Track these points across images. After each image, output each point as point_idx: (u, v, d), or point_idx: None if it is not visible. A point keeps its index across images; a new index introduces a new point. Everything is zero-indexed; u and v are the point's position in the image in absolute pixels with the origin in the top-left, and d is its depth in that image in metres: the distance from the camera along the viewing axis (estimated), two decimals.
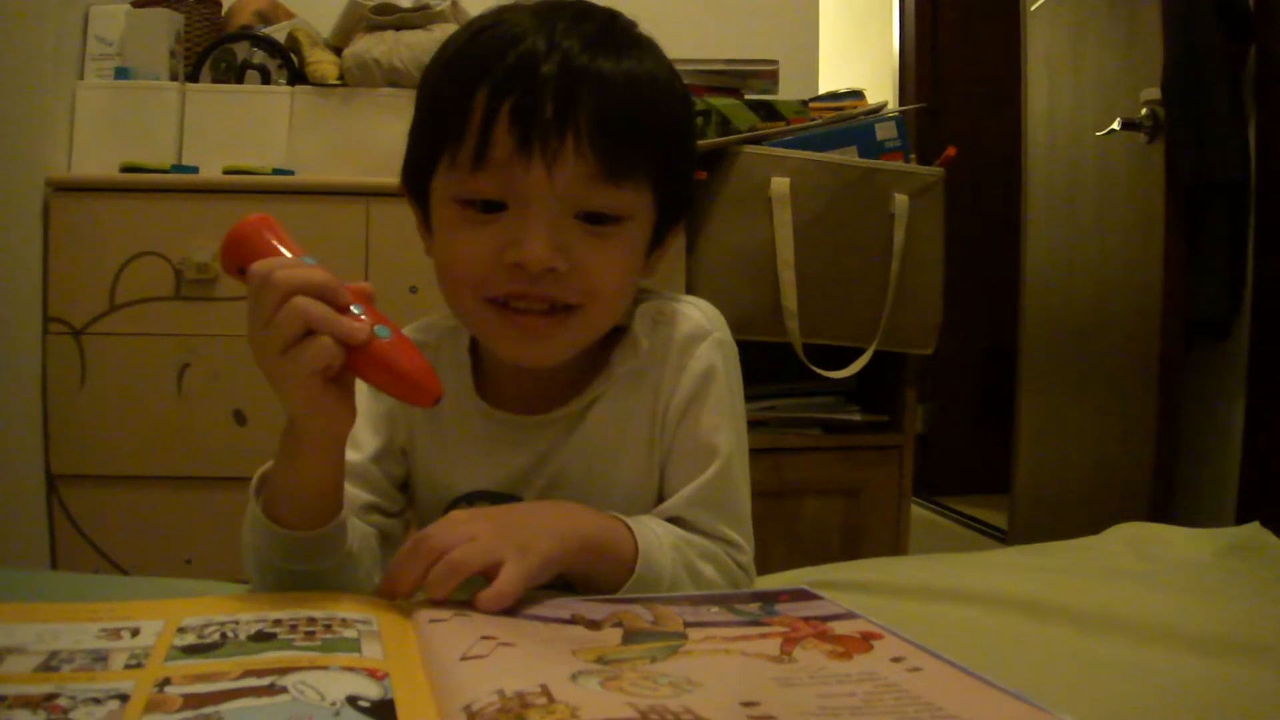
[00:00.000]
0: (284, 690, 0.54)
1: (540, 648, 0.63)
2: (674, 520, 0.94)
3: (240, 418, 2.23)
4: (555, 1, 0.92)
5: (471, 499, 0.99)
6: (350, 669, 0.58)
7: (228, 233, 0.78)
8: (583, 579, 0.85)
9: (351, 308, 0.75)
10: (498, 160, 0.85)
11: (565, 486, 0.97)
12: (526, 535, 0.79)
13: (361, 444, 1.00)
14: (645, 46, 0.93)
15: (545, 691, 0.53)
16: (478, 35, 0.90)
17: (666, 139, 0.93)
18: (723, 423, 0.98)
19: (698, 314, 1.01)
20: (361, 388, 0.81)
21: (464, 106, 0.86)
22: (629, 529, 0.87)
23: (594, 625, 0.73)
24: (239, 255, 0.77)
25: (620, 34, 0.92)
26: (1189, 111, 2.63)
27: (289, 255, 0.77)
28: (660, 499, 0.98)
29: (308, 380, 0.75)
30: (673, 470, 0.98)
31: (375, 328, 0.75)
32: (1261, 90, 2.62)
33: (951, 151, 2.27)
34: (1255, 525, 1.11)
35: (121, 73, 2.39)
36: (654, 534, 0.89)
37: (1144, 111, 2.76)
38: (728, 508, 0.97)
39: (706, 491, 0.96)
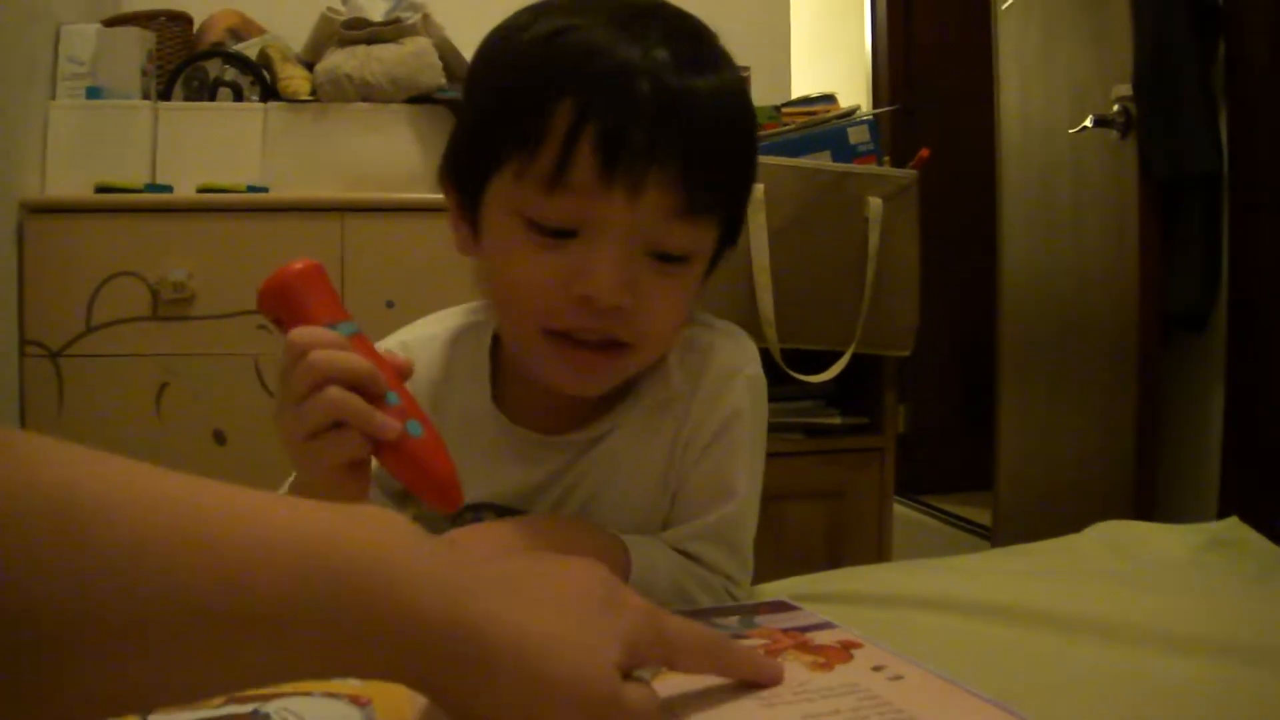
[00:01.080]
0: (266, 718, 0.54)
1: None
2: (679, 551, 0.93)
3: (220, 437, 2.22)
4: (632, 1, 0.85)
5: (478, 510, 0.96)
6: (333, 695, 0.58)
7: (271, 277, 0.73)
8: None
9: (388, 395, 0.72)
10: (576, 185, 0.78)
11: (573, 505, 0.95)
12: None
13: None
14: (725, 59, 0.87)
15: None
16: (557, 36, 0.81)
17: (746, 170, 0.89)
18: (743, 464, 0.96)
19: (732, 347, 0.98)
20: None
21: (542, 117, 0.79)
22: (627, 552, 0.87)
23: None
24: (277, 304, 0.73)
25: (708, 46, 0.86)
26: (1160, 106, 2.64)
27: (328, 319, 0.72)
28: (665, 525, 0.96)
29: (329, 470, 0.72)
30: (685, 501, 0.95)
31: (408, 424, 0.71)
32: (1231, 83, 2.63)
33: (925, 153, 2.27)
34: (1234, 520, 1.12)
35: (93, 92, 2.38)
36: (650, 559, 0.88)
37: (1115, 108, 2.77)
38: (734, 546, 0.96)
39: (717, 529, 0.94)
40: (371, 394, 0.70)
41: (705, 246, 0.87)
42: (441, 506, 0.73)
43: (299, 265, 0.73)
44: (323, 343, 0.70)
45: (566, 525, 0.87)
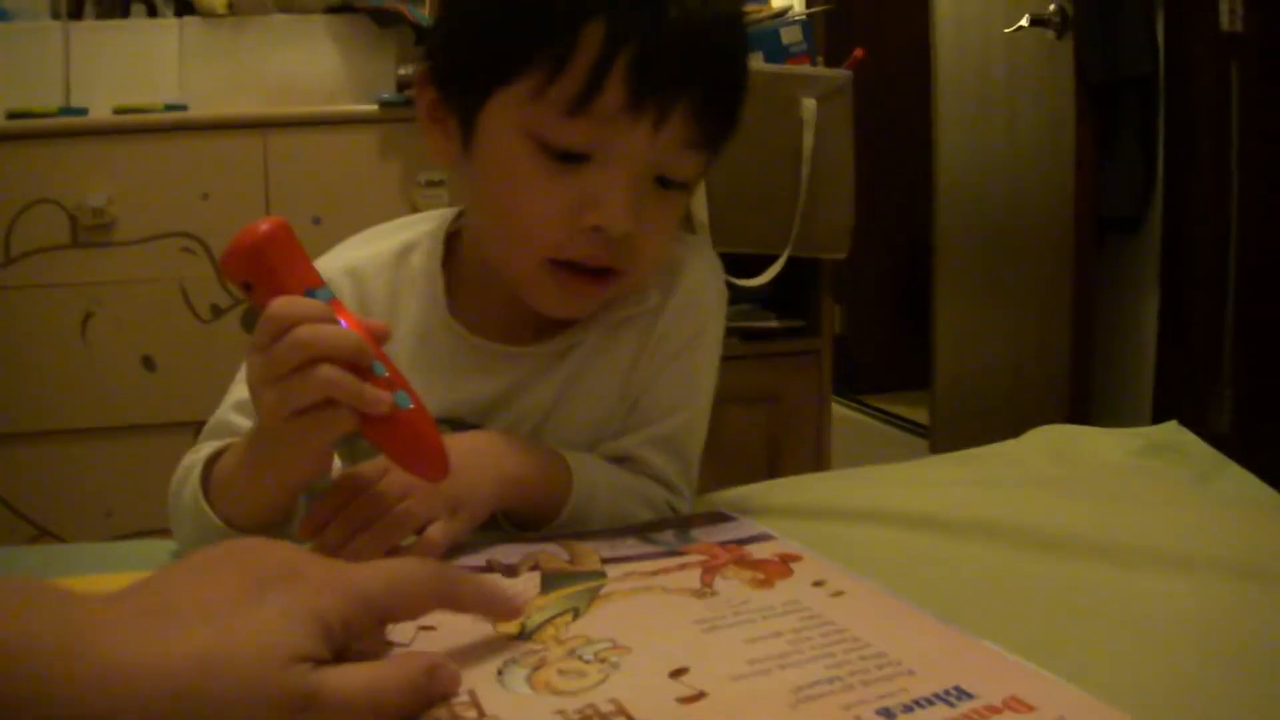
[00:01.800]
0: None
1: (462, 626, 0.61)
2: (627, 456, 0.93)
3: (149, 363, 2.18)
4: None
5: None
6: None
7: (238, 239, 0.68)
8: (513, 515, 0.84)
9: (374, 365, 0.68)
10: (601, 112, 0.76)
11: (532, 418, 0.92)
12: (464, 486, 0.77)
13: None
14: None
15: (475, 702, 0.52)
16: None
17: (744, 98, 0.86)
18: (703, 378, 0.96)
19: (701, 262, 0.97)
20: None
21: (569, 37, 0.75)
22: (569, 471, 0.86)
23: (511, 571, 0.72)
24: (247, 269, 0.68)
25: None
26: (1097, 6, 2.63)
27: (303, 285, 0.68)
28: (618, 434, 0.95)
29: (315, 446, 0.70)
30: (643, 410, 0.94)
31: (395, 395, 0.68)
32: None
33: (859, 53, 2.25)
34: (1173, 424, 1.12)
35: (1, 14, 2.29)
36: (591, 480, 0.87)
37: (1052, 7, 2.76)
38: (682, 456, 0.95)
39: (669, 437, 0.94)
40: (360, 368, 0.67)
41: (701, 172, 0.86)
42: (428, 478, 0.71)
43: (266, 226, 0.68)
44: (308, 315, 0.66)
45: (510, 443, 0.85)
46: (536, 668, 0.56)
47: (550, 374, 0.93)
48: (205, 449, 0.82)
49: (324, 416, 0.67)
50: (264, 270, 0.68)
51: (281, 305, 0.67)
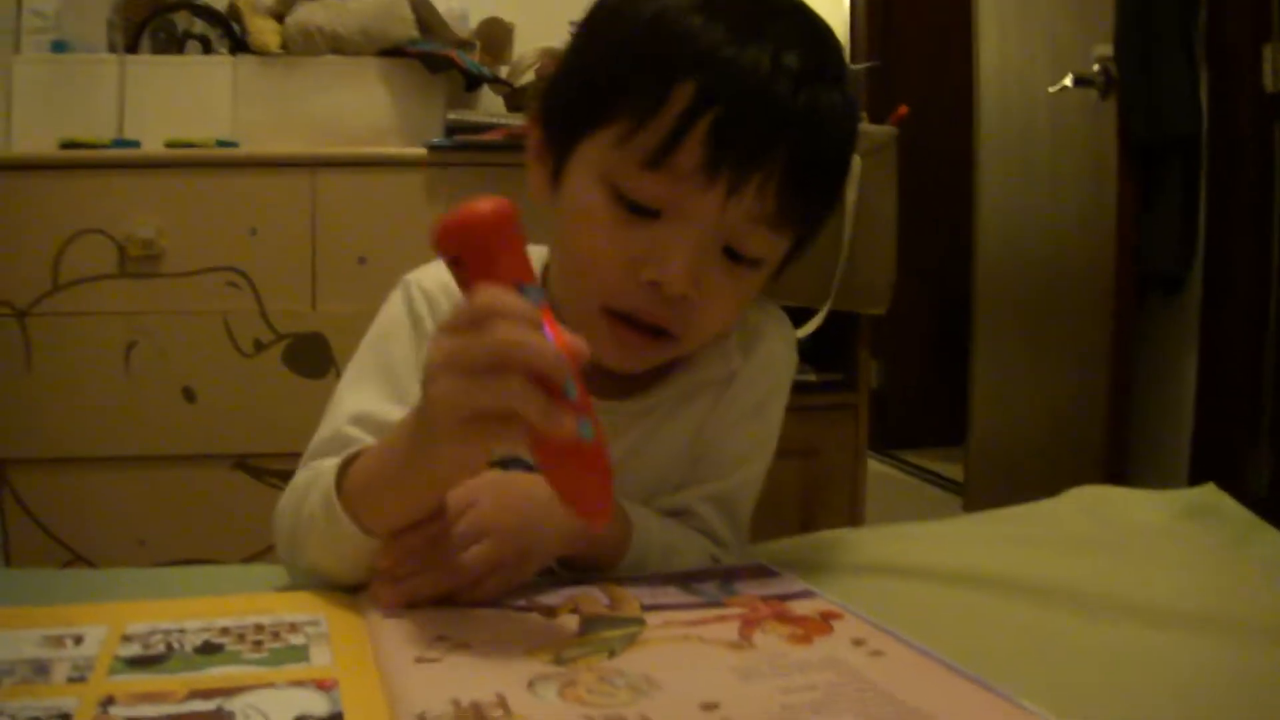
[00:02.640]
0: (231, 715, 0.53)
1: (495, 649, 0.62)
2: (682, 510, 0.94)
3: (190, 395, 2.20)
4: None
5: (507, 464, 0.89)
6: (298, 683, 0.57)
7: (461, 213, 0.65)
8: (569, 562, 0.84)
9: (568, 385, 0.63)
10: (677, 169, 0.77)
11: None
12: (535, 538, 0.77)
13: (408, 393, 0.87)
14: (846, 74, 0.85)
15: (502, 702, 0.52)
16: (695, 12, 0.78)
17: (840, 190, 0.88)
18: (766, 442, 0.98)
19: (777, 328, 0.99)
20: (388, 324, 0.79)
21: (660, 90, 0.76)
22: (629, 521, 0.86)
23: (550, 612, 0.72)
24: (463, 245, 0.65)
25: (834, 56, 0.84)
26: (1141, 67, 2.63)
27: (516, 279, 0.65)
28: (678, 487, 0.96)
29: (477, 453, 0.68)
30: (703, 466, 0.95)
31: (581, 425, 0.64)
32: (1212, 44, 2.62)
33: (903, 110, 2.25)
34: (1210, 486, 1.12)
35: (58, 46, 2.32)
36: (646, 528, 0.87)
37: (1096, 67, 2.76)
38: (735, 514, 0.97)
39: (724, 495, 0.95)
40: (552, 386, 0.63)
41: (778, 254, 0.86)
42: (588, 520, 0.67)
43: (492, 205, 0.65)
44: (514, 314, 0.63)
45: None
46: (567, 684, 0.56)
47: (627, 432, 0.93)
48: (328, 462, 0.79)
49: (502, 429, 0.63)
50: (479, 250, 0.65)
51: (490, 296, 0.64)
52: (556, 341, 0.64)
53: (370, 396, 0.88)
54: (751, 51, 0.76)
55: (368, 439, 0.82)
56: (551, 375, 0.62)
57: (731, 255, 0.81)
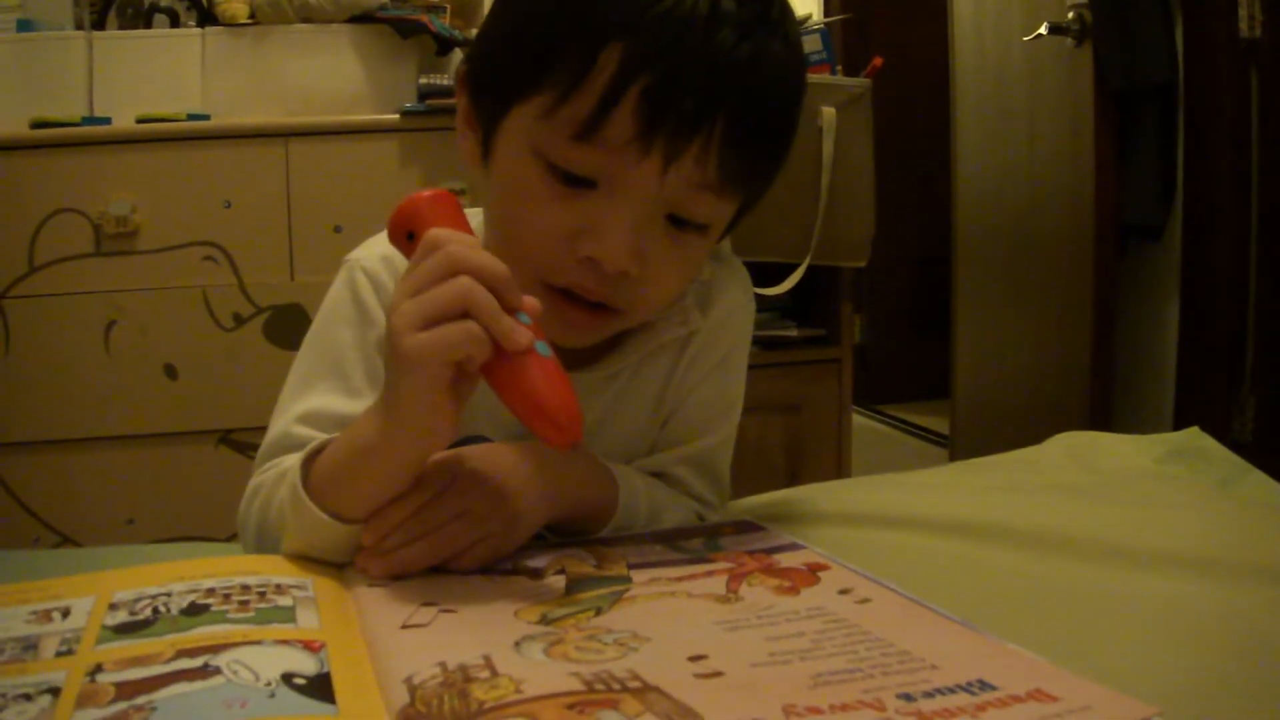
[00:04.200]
0: (218, 671, 0.53)
1: (482, 612, 0.62)
2: (660, 473, 0.92)
3: (171, 372, 2.19)
4: None
5: (476, 441, 0.87)
6: (285, 642, 0.57)
7: (404, 201, 0.69)
8: (558, 526, 0.83)
9: (520, 313, 0.66)
10: (608, 141, 0.71)
11: None
12: (524, 505, 0.75)
13: (356, 388, 0.85)
14: (791, 20, 0.78)
15: (488, 663, 0.52)
16: None
17: (787, 147, 0.81)
18: (733, 398, 0.95)
19: (734, 282, 0.95)
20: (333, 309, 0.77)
21: (585, 57, 0.71)
22: (615, 483, 0.85)
23: (536, 574, 0.72)
24: (410, 223, 0.69)
25: (774, 8, 0.76)
26: (1116, 14, 2.62)
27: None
28: (651, 450, 0.95)
29: (438, 369, 0.65)
30: (674, 428, 0.94)
31: (536, 342, 0.66)
32: None
33: (878, 62, 2.24)
34: (1195, 430, 1.12)
35: (24, 25, 2.31)
36: (633, 488, 0.86)
37: (1070, 15, 2.75)
38: (714, 472, 0.95)
39: (701, 456, 0.94)
40: (505, 303, 0.65)
41: (726, 216, 0.81)
42: (551, 440, 0.66)
43: (433, 190, 0.71)
44: (461, 240, 0.66)
45: (567, 458, 0.82)
46: (554, 643, 0.56)
47: (592, 401, 0.89)
48: (289, 459, 0.78)
49: (456, 330, 0.63)
50: (427, 221, 0.68)
51: (438, 230, 0.66)
52: None
53: (317, 393, 0.86)
54: (685, 5, 0.70)
55: (317, 435, 0.80)
56: (500, 286, 0.65)
57: (675, 222, 0.77)
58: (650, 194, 0.74)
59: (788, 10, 0.78)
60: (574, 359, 0.86)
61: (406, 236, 0.69)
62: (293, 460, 0.75)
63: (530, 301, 0.67)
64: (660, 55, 0.70)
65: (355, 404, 0.83)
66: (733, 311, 0.94)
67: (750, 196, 0.82)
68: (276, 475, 0.79)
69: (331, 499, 0.71)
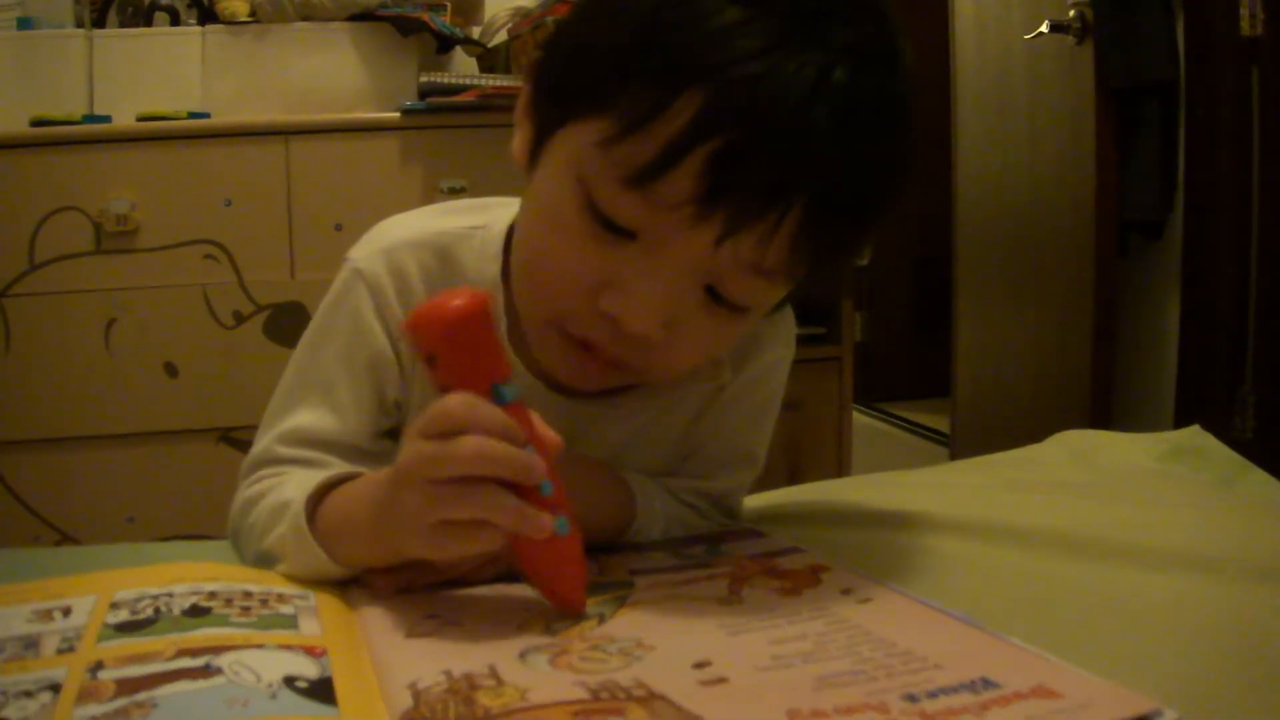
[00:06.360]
0: (219, 671, 0.52)
1: (486, 624, 0.62)
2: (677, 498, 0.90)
3: (172, 370, 2.19)
4: None
5: None
6: (287, 647, 0.57)
7: (433, 307, 0.61)
8: None
9: (543, 485, 0.61)
10: (661, 196, 0.62)
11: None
12: None
13: (343, 406, 0.82)
14: (910, 99, 0.69)
15: (494, 673, 0.52)
16: (726, 6, 0.61)
17: (865, 241, 0.73)
18: (760, 446, 0.91)
19: (780, 344, 0.89)
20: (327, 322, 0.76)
21: (660, 95, 0.61)
22: (633, 498, 0.83)
23: None
24: (435, 343, 0.62)
25: (899, 79, 0.67)
26: (1117, 12, 2.62)
27: (490, 378, 0.62)
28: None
29: (450, 553, 0.62)
30: (694, 463, 0.89)
31: (557, 520, 0.61)
32: None
33: None
34: (1196, 428, 1.12)
35: (24, 23, 2.31)
36: (650, 503, 0.84)
37: (1072, 13, 2.75)
38: (730, 512, 0.93)
39: (720, 494, 0.91)
40: (526, 487, 0.61)
41: (772, 300, 0.74)
42: (563, 611, 0.65)
43: (465, 302, 0.61)
44: (483, 425, 0.59)
45: (581, 463, 0.78)
46: (559, 654, 0.56)
47: (606, 424, 0.85)
48: (288, 491, 0.75)
49: (472, 534, 0.60)
50: (452, 350, 0.62)
51: (459, 405, 0.60)
52: (530, 438, 0.62)
53: (302, 409, 0.82)
54: (792, 64, 0.61)
55: (301, 454, 0.79)
56: (522, 479, 0.60)
57: (713, 295, 0.68)
58: (696, 264, 0.66)
59: (911, 85, 0.69)
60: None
61: (427, 358, 0.63)
62: (292, 493, 0.73)
63: (549, 445, 0.63)
64: (742, 116, 0.60)
65: (340, 423, 0.81)
66: (770, 369, 0.88)
67: (809, 281, 0.73)
68: (272, 508, 0.76)
69: (333, 547, 0.69)
